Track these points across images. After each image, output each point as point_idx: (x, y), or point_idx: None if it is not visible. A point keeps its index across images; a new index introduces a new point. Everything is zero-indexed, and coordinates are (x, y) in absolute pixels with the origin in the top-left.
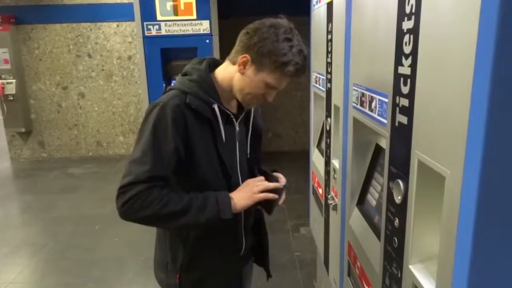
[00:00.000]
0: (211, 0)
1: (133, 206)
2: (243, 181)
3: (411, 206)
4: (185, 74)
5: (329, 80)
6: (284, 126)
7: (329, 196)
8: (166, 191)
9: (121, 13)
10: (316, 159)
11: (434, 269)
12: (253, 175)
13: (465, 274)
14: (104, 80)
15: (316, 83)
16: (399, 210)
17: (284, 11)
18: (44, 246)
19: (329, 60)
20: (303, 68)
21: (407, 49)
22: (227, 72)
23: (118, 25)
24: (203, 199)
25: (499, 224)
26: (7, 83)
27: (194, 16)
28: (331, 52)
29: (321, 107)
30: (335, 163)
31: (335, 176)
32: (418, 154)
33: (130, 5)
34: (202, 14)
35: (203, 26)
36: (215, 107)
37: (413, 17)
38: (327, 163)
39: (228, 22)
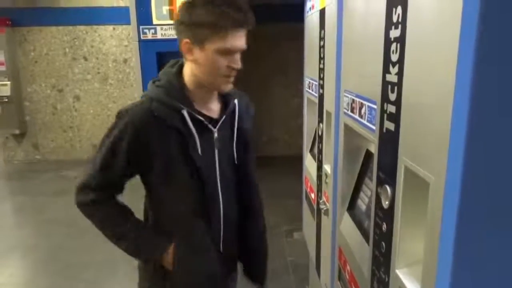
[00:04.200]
0: None
1: (84, 211)
2: (223, 188)
3: (398, 211)
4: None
5: (322, 86)
6: (279, 131)
7: (321, 201)
8: (111, 212)
9: (118, 17)
10: (309, 164)
11: (420, 273)
12: (242, 182)
13: (447, 278)
14: (100, 83)
15: (309, 89)
16: (386, 215)
17: (283, 18)
18: (36, 248)
19: (321, 66)
20: (239, 14)
21: (394, 57)
22: (188, 70)
23: (114, 28)
24: (138, 238)
25: (480, 229)
26: (2, 84)
27: None
28: (323, 58)
29: (314, 113)
30: (327, 168)
31: (327, 181)
32: (404, 160)
33: (127, 9)
34: None
35: None
36: (184, 112)
37: (399, 26)
38: (319, 168)
39: None
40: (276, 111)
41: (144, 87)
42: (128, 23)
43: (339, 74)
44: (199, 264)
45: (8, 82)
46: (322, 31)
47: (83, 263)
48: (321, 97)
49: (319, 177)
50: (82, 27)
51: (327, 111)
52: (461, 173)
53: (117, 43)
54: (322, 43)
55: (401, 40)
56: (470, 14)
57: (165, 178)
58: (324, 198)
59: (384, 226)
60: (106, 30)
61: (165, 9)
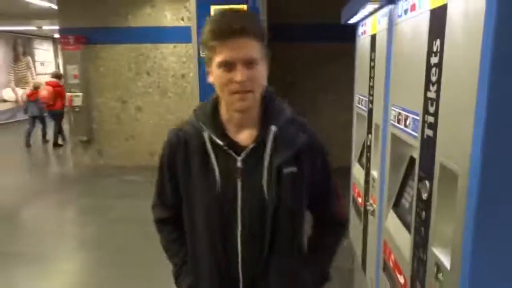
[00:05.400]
0: (262, 25)
1: (156, 227)
2: (245, 225)
3: (434, 201)
4: None
5: (371, 101)
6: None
7: (368, 203)
8: (167, 237)
9: (179, 35)
10: (357, 171)
11: (450, 250)
12: (289, 227)
13: (469, 255)
14: (160, 96)
15: (359, 104)
16: (425, 205)
17: (327, 39)
18: (100, 245)
19: (371, 84)
20: (227, 24)
21: (433, 78)
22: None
23: (175, 46)
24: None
25: (497, 214)
26: (75, 96)
27: None
28: (373, 77)
29: (363, 126)
30: (374, 173)
31: (374, 185)
32: (440, 159)
33: (187, 28)
34: None
35: None
36: (205, 135)
37: (438, 54)
38: (367, 174)
39: (273, 45)
40: (324, 127)
41: (201, 100)
42: (188, 41)
43: (388, 91)
44: None
45: (81, 94)
46: (373, 54)
47: (145, 260)
48: (370, 111)
49: (366, 182)
50: (146, 45)
51: (375, 123)
52: (480, 167)
53: (177, 60)
54: (372, 64)
55: (439, 65)
56: (486, 52)
57: (186, 201)
58: (371, 200)
59: (423, 214)
60: (167, 48)
61: None
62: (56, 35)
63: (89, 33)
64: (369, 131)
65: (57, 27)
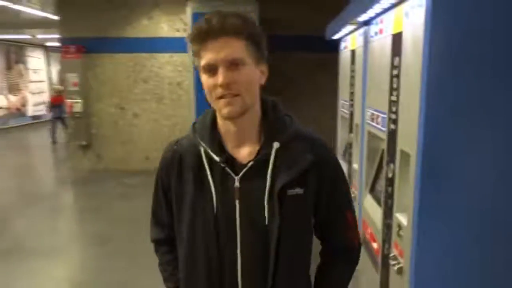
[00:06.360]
0: None
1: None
2: (244, 249)
3: (396, 177)
4: None
5: (352, 105)
6: None
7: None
8: (162, 258)
9: (175, 46)
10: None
11: (406, 213)
12: (290, 254)
13: (417, 214)
14: (156, 102)
15: (342, 108)
16: (390, 182)
17: (316, 49)
18: (105, 240)
19: (352, 90)
20: (204, 27)
21: (395, 85)
22: None
23: (171, 56)
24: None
25: (437, 183)
26: (75, 102)
27: None
28: (353, 84)
29: (345, 126)
30: (355, 165)
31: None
32: (400, 146)
33: (183, 38)
34: None
35: None
36: (201, 150)
37: (397, 68)
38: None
39: (272, 55)
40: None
41: (198, 108)
42: (183, 51)
43: (364, 96)
44: None
45: (80, 100)
46: (352, 65)
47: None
48: (351, 113)
49: (349, 175)
50: (144, 54)
51: (356, 123)
52: (422, 150)
53: (173, 68)
54: (352, 74)
55: (398, 76)
56: (424, 68)
57: (178, 219)
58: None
59: (389, 190)
60: (163, 57)
61: None
62: (48, 43)
63: (89, 43)
64: (350, 131)
65: (49, 36)
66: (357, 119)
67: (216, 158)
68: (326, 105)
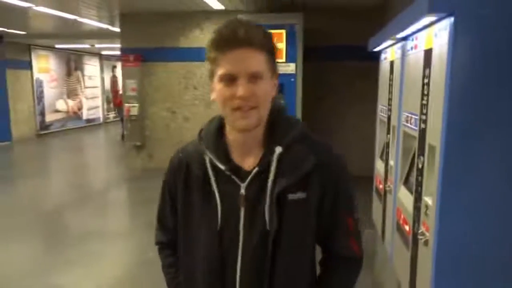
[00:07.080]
0: (298, 47)
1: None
2: (246, 257)
3: (425, 167)
4: None
5: (390, 110)
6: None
7: (386, 185)
8: (165, 262)
9: None
10: (379, 164)
11: (432, 196)
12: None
13: (440, 194)
14: (205, 107)
15: (381, 112)
16: (420, 172)
17: (355, 58)
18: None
19: (390, 96)
20: (227, 35)
21: (425, 91)
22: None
23: None
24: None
25: (456, 171)
26: (133, 106)
27: (283, 59)
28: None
29: (383, 129)
30: (391, 162)
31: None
32: (428, 141)
33: None
34: (290, 58)
35: (290, 68)
36: (206, 158)
37: (428, 77)
38: (386, 164)
39: (310, 65)
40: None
41: None
42: None
43: (401, 101)
44: None
45: (137, 105)
46: (391, 75)
47: None
48: (389, 117)
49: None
50: (195, 63)
51: (393, 125)
52: (445, 142)
53: None
54: (391, 82)
55: (428, 84)
56: (447, 79)
57: (182, 225)
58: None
59: (419, 178)
60: None
61: None
62: (103, 52)
63: (146, 53)
64: (388, 132)
65: (106, 45)
66: (394, 121)
67: (221, 167)
68: (367, 112)
